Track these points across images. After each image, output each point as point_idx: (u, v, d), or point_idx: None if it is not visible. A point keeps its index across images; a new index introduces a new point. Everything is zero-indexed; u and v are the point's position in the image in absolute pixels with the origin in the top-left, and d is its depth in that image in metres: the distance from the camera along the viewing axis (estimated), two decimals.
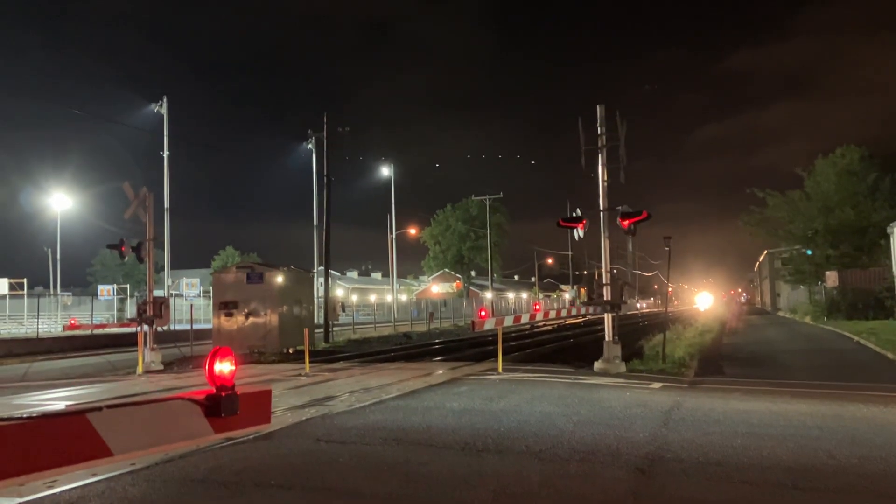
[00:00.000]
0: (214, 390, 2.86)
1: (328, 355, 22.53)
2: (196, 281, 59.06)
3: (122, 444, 2.50)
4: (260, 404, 3.12)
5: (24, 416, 2.27)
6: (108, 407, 2.47)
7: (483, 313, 20.38)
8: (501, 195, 70.29)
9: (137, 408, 2.61)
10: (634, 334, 27.43)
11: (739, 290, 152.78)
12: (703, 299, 74.23)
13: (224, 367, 2.89)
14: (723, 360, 18.34)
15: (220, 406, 2.82)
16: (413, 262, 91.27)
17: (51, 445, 2.32)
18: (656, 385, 12.85)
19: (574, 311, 33.07)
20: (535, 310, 33.05)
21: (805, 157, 47.25)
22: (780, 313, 63.11)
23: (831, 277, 41.91)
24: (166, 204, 39.32)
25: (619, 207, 15.47)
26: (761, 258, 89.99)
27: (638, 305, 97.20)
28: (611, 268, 16.14)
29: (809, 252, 48.24)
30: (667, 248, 18.44)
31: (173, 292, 48.03)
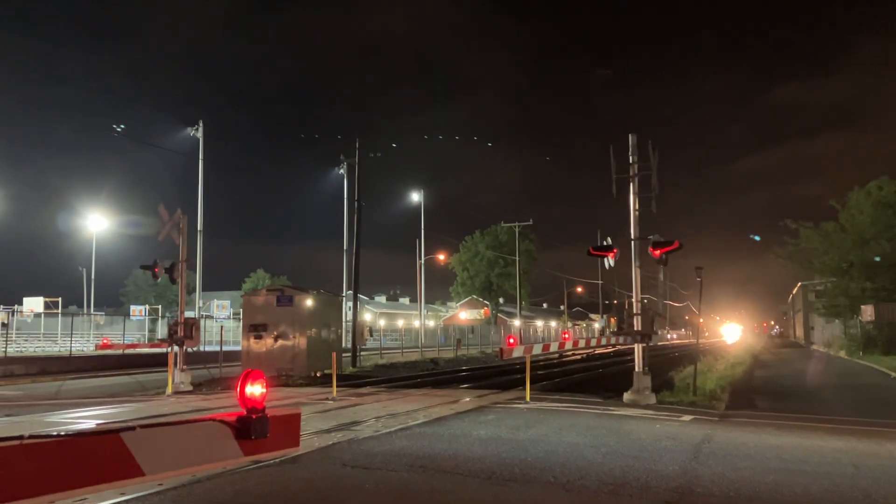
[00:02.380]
0: (245, 412, 2.87)
1: (355, 380, 22.54)
2: (227, 303, 59.68)
3: (154, 464, 2.52)
4: (289, 427, 3.12)
5: (61, 433, 2.30)
6: (142, 427, 2.50)
7: (511, 341, 20.28)
8: (531, 222, 70.11)
9: (169, 428, 2.63)
10: (665, 365, 27.08)
11: (772, 322, 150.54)
12: (731, 331, 65.83)
13: (255, 389, 2.91)
14: (755, 394, 18.02)
15: (251, 428, 2.83)
16: (441, 287, 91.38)
17: (84, 463, 2.35)
18: (687, 417, 12.66)
19: (603, 341, 32.73)
20: (564, 338, 32.79)
21: (849, 190, 46.58)
22: (814, 347, 61.89)
23: (867, 311, 41.05)
24: (199, 226, 39.78)
25: (651, 237, 15.37)
26: (795, 290, 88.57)
27: (668, 336, 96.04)
28: (641, 298, 16.00)
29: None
30: (698, 279, 18.22)
31: (204, 314, 48.53)
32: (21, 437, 2.19)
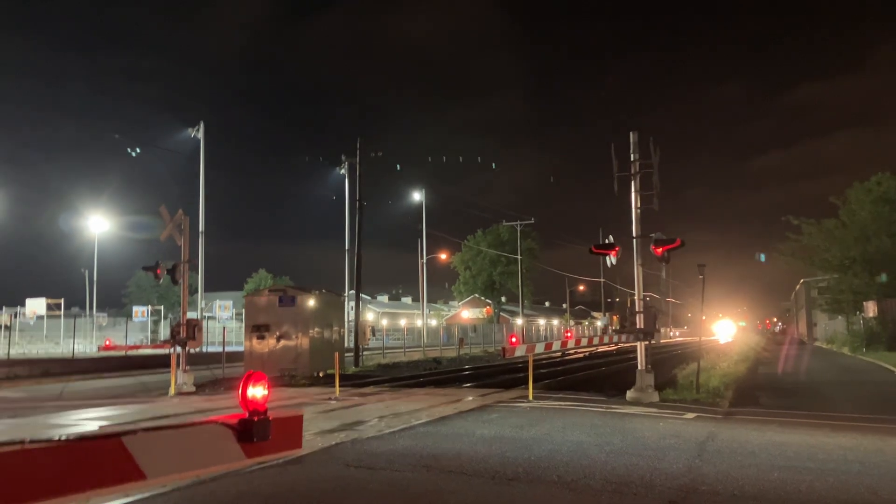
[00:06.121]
0: (247, 415, 2.85)
1: (358, 379, 22.53)
2: (229, 303, 59.65)
3: (156, 468, 2.50)
4: (292, 429, 3.11)
5: (62, 438, 2.28)
6: (143, 430, 2.48)
7: (514, 340, 20.28)
8: (533, 220, 70.09)
9: (171, 431, 2.61)
10: (667, 363, 27.07)
11: (775, 319, 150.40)
12: (724, 329, 58.02)
13: (257, 391, 2.89)
14: (758, 391, 17.99)
15: (253, 431, 2.81)
16: (443, 286, 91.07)
17: (86, 468, 2.33)
18: (690, 415, 12.63)
19: (606, 339, 32.68)
20: (567, 337, 32.72)
21: (849, 187, 46.59)
22: (817, 343, 61.84)
23: (870, 307, 41.05)
24: (201, 227, 39.78)
25: (653, 235, 15.33)
26: (797, 287, 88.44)
27: (671, 334, 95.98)
28: (644, 295, 15.97)
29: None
30: (700, 277, 18.20)
31: (206, 314, 48.51)
32: (22, 442, 2.18)
